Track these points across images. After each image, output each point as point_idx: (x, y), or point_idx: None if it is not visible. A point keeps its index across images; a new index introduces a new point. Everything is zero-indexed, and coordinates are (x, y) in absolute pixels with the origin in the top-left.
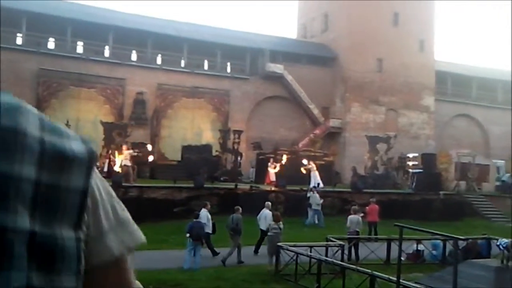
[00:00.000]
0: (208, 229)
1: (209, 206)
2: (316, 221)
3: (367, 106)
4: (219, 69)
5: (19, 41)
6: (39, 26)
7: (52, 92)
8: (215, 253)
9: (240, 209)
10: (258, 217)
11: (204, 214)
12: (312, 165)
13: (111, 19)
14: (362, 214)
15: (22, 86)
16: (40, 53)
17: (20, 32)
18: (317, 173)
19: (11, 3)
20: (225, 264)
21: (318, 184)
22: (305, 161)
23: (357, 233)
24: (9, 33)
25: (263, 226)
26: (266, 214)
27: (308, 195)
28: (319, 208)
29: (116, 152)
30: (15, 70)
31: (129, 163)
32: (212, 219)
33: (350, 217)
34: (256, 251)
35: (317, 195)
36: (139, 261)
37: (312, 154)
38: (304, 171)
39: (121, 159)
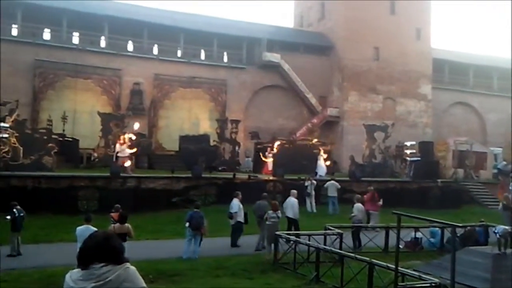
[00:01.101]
0: (240, 218)
1: (240, 196)
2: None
3: (364, 94)
4: (215, 59)
5: (14, 32)
6: (35, 17)
7: (48, 83)
8: (235, 245)
9: (267, 195)
10: (284, 205)
11: (236, 204)
12: (321, 154)
13: (107, 9)
14: (381, 203)
15: (19, 77)
16: (36, 44)
17: (15, 23)
18: (322, 161)
19: None
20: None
21: (316, 173)
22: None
23: (360, 221)
24: (5, 24)
25: (290, 214)
26: (293, 202)
27: (306, 184)
28: (335, 195)
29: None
30: (11, 62)
31: (127, 153)
32: (242, 208)
33: (356, 205)
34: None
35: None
36: (138, 251)
37: (310, 143)
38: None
39: (123, 148)
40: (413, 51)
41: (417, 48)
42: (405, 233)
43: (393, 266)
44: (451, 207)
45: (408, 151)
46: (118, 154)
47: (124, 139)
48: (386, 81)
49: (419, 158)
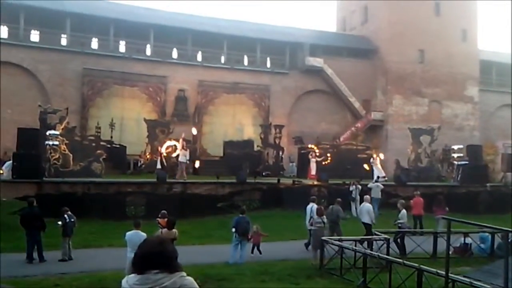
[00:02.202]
0: None
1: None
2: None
3: (409, 98)
4: (259, 64)
5: (63, 42)
6: (83, 26)
7: (96, 91)
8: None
9: (340, 200)
10: (358, 210)
11: (315, 208)
12: (375, 158)
13: (152, 17)
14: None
15: (68, 85)
16: (84, 53)
17: (64, 33)
18: (379, 166)
19: (55, 4)
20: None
21: (378, 177)
22: (373, 157)
23: (408, 227)
24: (54, 35)
25: (366, 220)
26: (368, 208)
27: (351, 188)
28: (379, 197)
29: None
30: (60, 71)
31: (185, 159)
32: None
33: (403, 211)
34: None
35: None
36: (185, 255)
37: (354, 147)
38: (367, 167)
39: (184, 153)
40: (459, 53)
41: (463, 49)
42: (454, 239)
43: (443, 272)
44: (501, 212)
45: (455, 155)
46: (179, 159)
47: (184, 144)
48: (432, 84)
49: (467, 162)
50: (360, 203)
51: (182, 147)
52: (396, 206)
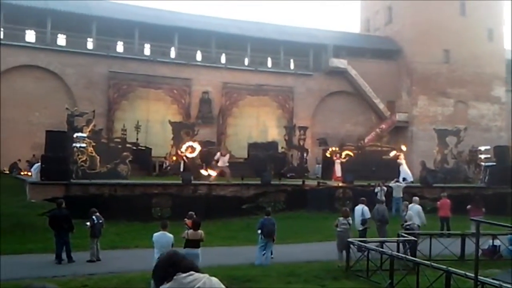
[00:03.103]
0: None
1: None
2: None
3: (434, 98)
4: (282, 66)
5: (90, 45)
6: (108, 30)
7: (122, 94)
8: None
9: (384, 200)
10: (408, 214)
11: (366, 209)
12: (401, 159)
13: (176, 20)
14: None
15: (94, 88)
16: (110, 57)
17: (90, 37)
18: (405, 166)
19: (81, 8)
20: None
21: (404, 178)
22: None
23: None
24: (80, 38)
25: (418, 222)
26: (417, 209)
27: (376, 190)
28: (400, 196)
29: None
30: (87, 74)
31: (227, 164)
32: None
33: (410, 212)
34: None
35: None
36: (211, 257)
37: (379, 149)
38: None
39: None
40: (485, 53)
41: (489, 49)
42: (482, 241)
43: (471, 275)
44: None
45: (482, 156)
46: (218, 164)
47: (226, 149)
48: (457, 84)
49: (494, 163)
50: (386, 205)
51: (221, 154)
52: (423, 208)
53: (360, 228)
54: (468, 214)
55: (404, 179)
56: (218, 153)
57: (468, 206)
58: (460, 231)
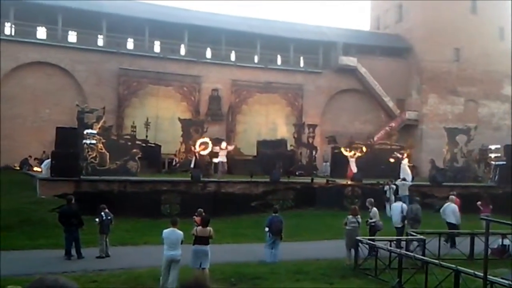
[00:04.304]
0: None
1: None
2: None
3: (444, 97)
4: (292, 64)
5: (100, 42)
6: (119, 27)
7: (132, 91)
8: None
9: (418, 199)
10: (441, 210)
11: (416, 207)
12: (403, 158)
13: (186, 18)
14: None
15: (104, 85)
16: (120, 54)
17: (101, 34)
18: (406, 166)
19: (92, 5)
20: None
21: (404, 178)
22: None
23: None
24: (91, 35)
25: (452, 220)
26: (453, 208)
27: (385, 188)
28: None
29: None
30: (97, 71)
31: (225, 159)
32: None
33: (374, 209)
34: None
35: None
36: (220, 254)
37: (389, 147)
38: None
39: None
40: (496, 51)
41: (500, 48)
42: (492, 240)
43: (481, 274)
44: None
45: (492, 155)
46: (219, 159)
47: (227, 146)
48: (467, 83)
49: (504, 162)
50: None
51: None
52: (432, 207)
53: (399, 226)
54: (478, 210)
55: (404, 179)
56: (224, 143)
57: (479, 202)
58: (469, 230)
